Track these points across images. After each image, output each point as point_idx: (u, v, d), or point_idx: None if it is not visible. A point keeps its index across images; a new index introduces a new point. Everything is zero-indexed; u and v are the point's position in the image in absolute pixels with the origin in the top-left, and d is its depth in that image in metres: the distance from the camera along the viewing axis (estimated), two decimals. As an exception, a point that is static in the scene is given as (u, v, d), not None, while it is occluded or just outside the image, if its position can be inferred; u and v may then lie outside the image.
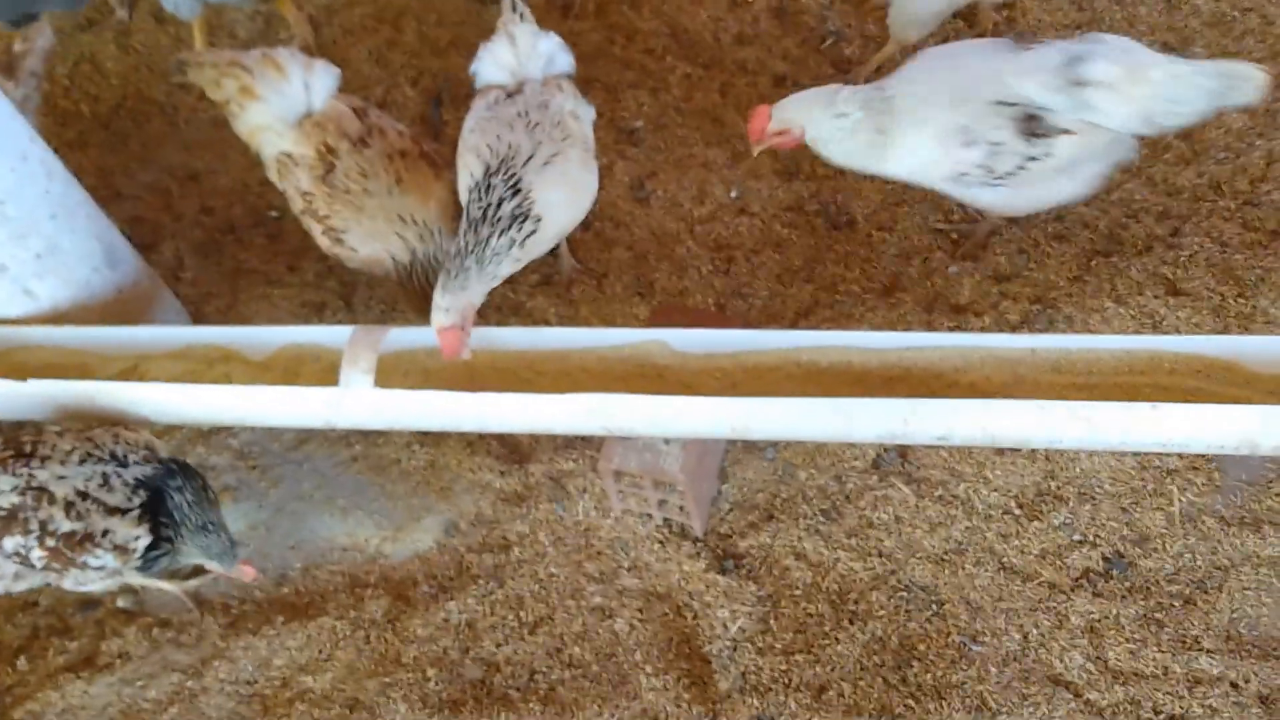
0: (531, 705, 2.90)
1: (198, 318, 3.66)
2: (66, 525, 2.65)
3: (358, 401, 2.84)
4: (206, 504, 2.80)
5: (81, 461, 2.70)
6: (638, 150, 3.80)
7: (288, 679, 3.02)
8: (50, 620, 3.18)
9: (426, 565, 3.17)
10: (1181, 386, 2.71)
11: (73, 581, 2.81)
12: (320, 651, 3.05)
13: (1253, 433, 2.54)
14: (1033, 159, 2.89)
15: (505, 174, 2.83)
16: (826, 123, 2.94)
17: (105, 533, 2.67)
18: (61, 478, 2.66)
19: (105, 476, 2.69)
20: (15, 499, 2.63)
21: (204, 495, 2.80)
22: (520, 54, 3.09)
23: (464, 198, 2.95)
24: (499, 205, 2.79)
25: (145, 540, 2.72)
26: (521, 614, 3.05)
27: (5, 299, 3.14)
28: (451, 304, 2.73)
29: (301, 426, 3.05)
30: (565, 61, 3.19)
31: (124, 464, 2.72)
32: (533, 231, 2.85)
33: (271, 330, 3.09)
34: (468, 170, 2.92)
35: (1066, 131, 2.86)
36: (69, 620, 3.17)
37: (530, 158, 2.87)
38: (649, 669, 2.91)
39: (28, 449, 2.70)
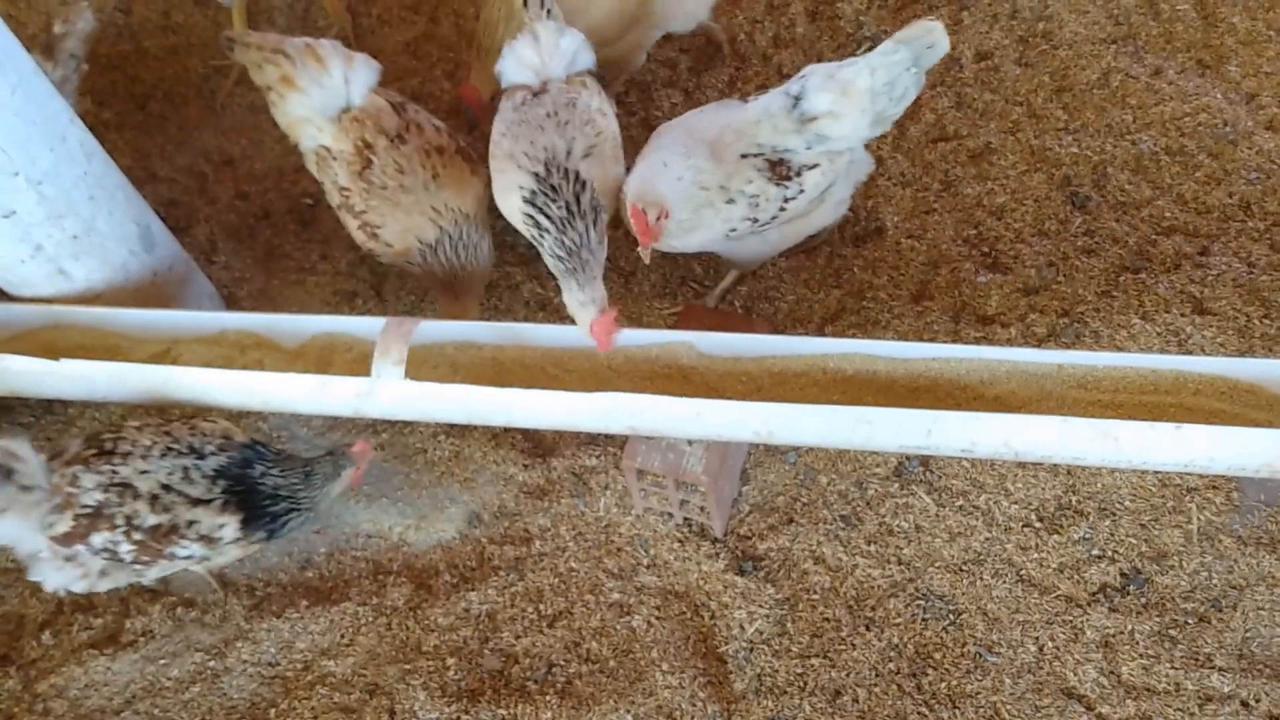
0: (548, 698, 2.93)
1: (230, 302, 3.70)
2: (152, 519, 2.71)
3: (388, 392, 2.87)
4: (287, 460, 2.88)
5: (162, 455, 2.75)
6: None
7: (309, 662, 3.07)
8: (75, 596, 3.22)
9: (449, 555, 3.21)
10: (1205, 408, 2.73)
11: (158, 572, 2.88)
12: (342, 636, 3.09)
13: (1274, 456, 2.56)
14: (789, 199, 2.97)
15: (560, 172, 2.85)
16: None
17: (190, 523, 2.74)
18: (144, 473, 2.72)
19: (185, 470, 2.75)
20: (100, 496, 2.69)
21: (281, 456, 2.88)
22: (544, 52, 3.09)
23: (514, 210, 2.94)
24: (577, 200, 2.82)
25: (232, 528, 2.77)
26: (541, 607, 3.09)
27: (41, 279, 3.19)
28: (589, 296, 2.76)
29: (333, 414, 3.08)
30: (588, 59, 3.19)
31: (201, 455, 2.78)
32: (602, 218, 2.90)
33: (304, 318, 3.12)
34: (516, 183, 2.91)
35: (812, 166, 2.95)
36: (94, 597, 3.21)
37: (569, 151, 2.89)
38: (665, 666, 2.94)
39: (109, 446, 2.75)
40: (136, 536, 2.69)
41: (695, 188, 2.90)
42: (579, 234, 2.80)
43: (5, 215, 2.97)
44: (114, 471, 2.71)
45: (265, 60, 3.12)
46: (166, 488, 2.72)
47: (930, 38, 2.82)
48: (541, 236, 2.84)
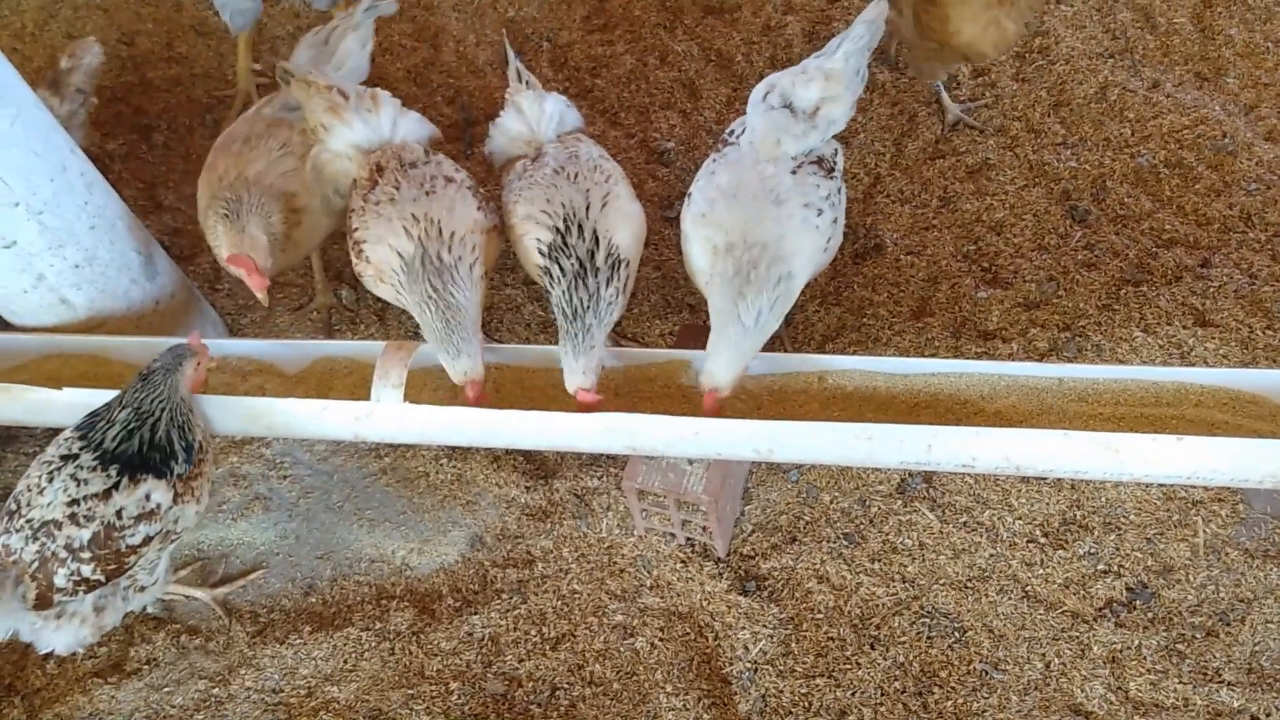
0: (552, 722, 2.93)
1: (234, 329, 3.72)
2: (86, 532, 2.70)
3: (388, 416, 2.88)
4: (121, 398, 2.81)
5: (50, 479, 2.74)
6: (668, 171, 3.84)
7: (313, 688, 3.06)
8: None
9: (452, 578, 3.20)
10: (1208, 419, 2.71)
11: (148, 580, 2.86)
12: (345, 662, 3.08)
13: (1277, 467, 2.54)
14: (840, 189, 3.00)
15: (579, 229, 2.87)
16: None
17: (120, 512, 2.71)
18: (49, 504, 2.72)
19: (74, 477, 2.72)
20: (34, 548, 2.69)
21: (112, 402, 2.81)
22: (530, 120, 3.16)
23: (534, 265, 2.95)
24: (591, 257, 2.83)
25: (160, 493, 2.74)
26: (544, 630, 3.08)
27: (43, 308, 3.21)
28: (587, 365, 2.77)
29: (333, 439, 3.09)
30: (574, 118, 3.26)
31: (74, 456, 2.75)
32: (627, 275, 2.89)
33: (305, 344, 3.14)
34: (535, 239, 2.92)
35: (835, 155, 3.03)
36: (100, 625, 3.22)
37: (588, 206, 2.91)
38: (669, 688, 2.93)
39: (12, 506, 2.76)
40: (85, 555, 2.69)
41: (811, 229, 2.88)
42: (589, 293, 2.80)
43: (7, 245, 3.00)
44: (28, 521, 2.71)
45: (318, 94, 3.17)
46: (74, 501, 2.69)
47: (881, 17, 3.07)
48: (552, 288, 2.86)
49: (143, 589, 2.91)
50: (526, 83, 3.23)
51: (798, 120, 2.95)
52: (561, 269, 2.84)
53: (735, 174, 2.94)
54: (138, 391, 2.79)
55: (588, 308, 2.79)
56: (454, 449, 3.35)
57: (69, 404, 2.96)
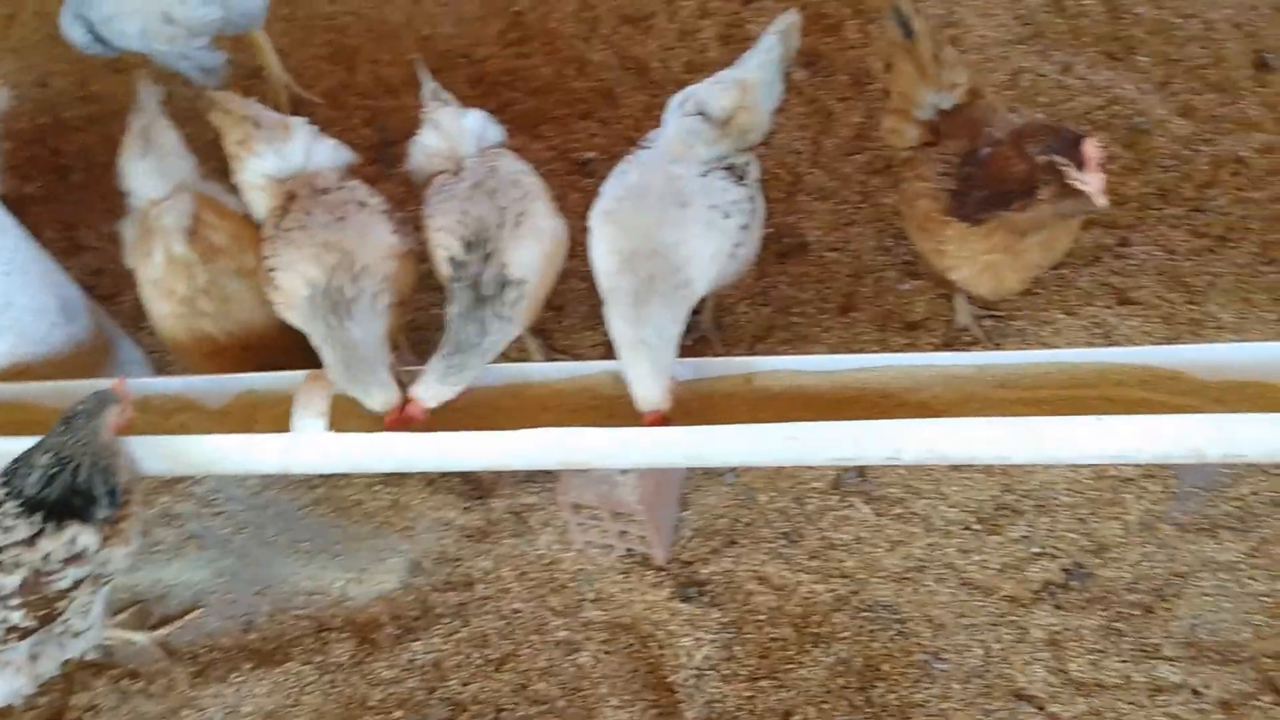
0: (498, 743, 2.90)
1: (161, 367, 3.67)
2: (11, 580, 2.65)
3: (312, 446, 2.85)
4: (41, 444, 2.76)
5: None
6: (591, 181, 3.83)
7: (256, 726, 3.03)
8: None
9: (391, 606, 3.17)
10: (1129, 398, 2.73)
11: (81, 620, 2.80)
12: (287, 697, 3.04)
13: (1199, 441, 2.55)
14: (752, 199, 3.00)
15: (479, 248, 2.85)
16: None
17: (45, 558, 2.66)
18: None
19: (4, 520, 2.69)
20: None
21: (30, 450, 2.76)
22: (450, 136, 3.13)
23: (444, 277, 2.94)
24: (481, 278, 2.82)
25: (86, 536, 2.69)
26: (487, 651, 3.05)
27: (-39, 358, 3.16)
28: (450, 393, 2.78)
29: (261, 472, 3.05)
30: (496, 133, 3.25)
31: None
32: (518, 297, 2.87)
33: (226, 378, 3.10)
34: (445, 252, 2.91)
35: (747, 165, 3.02)
36: (37, 677, 3.17)
37: (501, 224, 2.89)
38: (615, 701, 2.91)
39: None
40: (14, 602, 2.63)
41: (715, 232, 2.89)
42: (478, 321, 2.79)
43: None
44: None
45: (234, 125, 3.16)
46: (6, 547, 2.64)
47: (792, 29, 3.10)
48: (449, 304, 2.85)
49: (78, 634, 2.85)
50: (442, 101, 3.21)
51: (711, 127, 2.96)
52: (460, 288, 2.83)
53: (645, 174, 2.96)
54: (59, 436, 2.75)
55: (474, 343, 2.79)
56: (388, 475, 3.32)
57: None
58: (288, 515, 3.36)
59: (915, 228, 3.04)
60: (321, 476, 3.35)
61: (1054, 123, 2.72)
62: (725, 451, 2.74)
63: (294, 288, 2.89)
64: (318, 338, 2.84)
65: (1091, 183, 2.50)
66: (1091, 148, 2.51)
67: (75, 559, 2.70)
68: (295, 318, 2.94)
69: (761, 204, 3.09)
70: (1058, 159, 2.54)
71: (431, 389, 2.78)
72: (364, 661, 3.07)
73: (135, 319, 3.77)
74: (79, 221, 4.07)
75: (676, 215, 2.84)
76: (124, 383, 2.87)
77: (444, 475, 3.33)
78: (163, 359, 3.69)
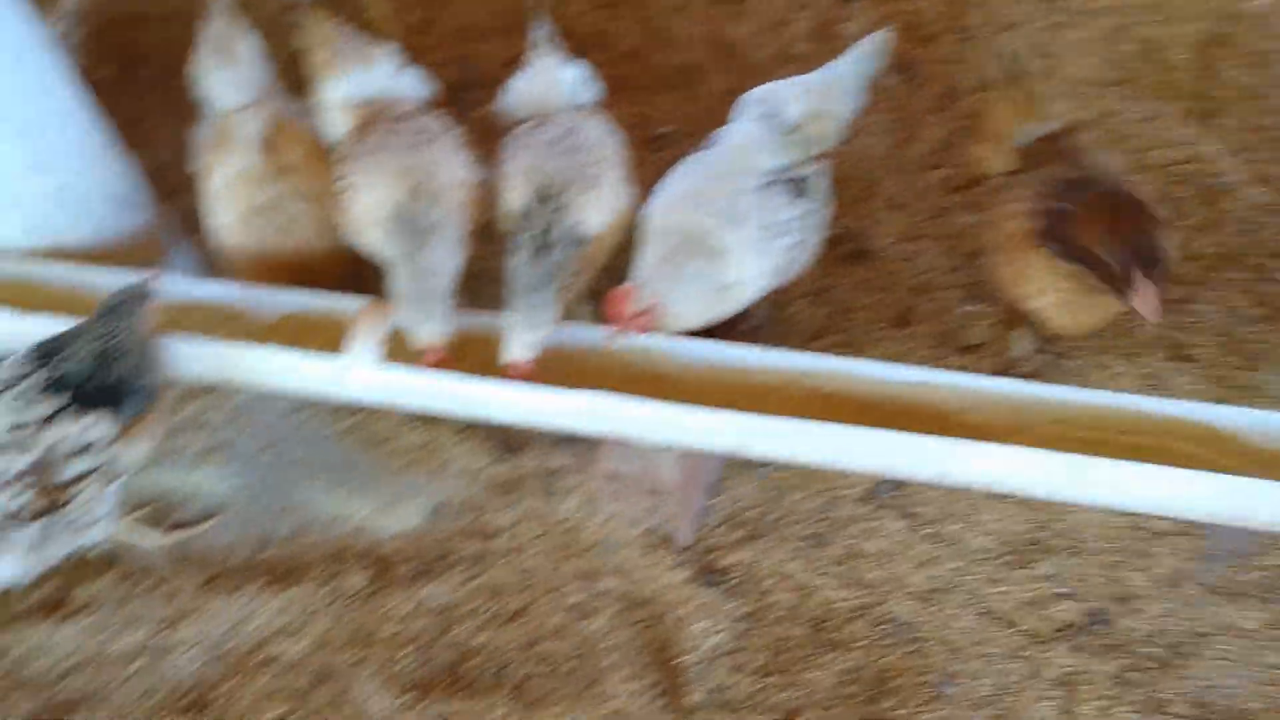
0: (500, 696, 2.88)
1: (213, 273, 3.64)
2: (24, 459, 2.63)
3: (364, 375, 2.83)
4: (76, 331, 2.75)
5: None
6: (663, 155, 3.80)
7: (259, 643, 3.00)
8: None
9: (410, 545, 3.15)
10: (1181, 451, 2.71)
11: (92, 511, 2.76)
12: (295, 619, 3.03)
13: (1244, 505, 2.56)
14: (810, 213, 2.97)
15: (549, 200, 2.82)
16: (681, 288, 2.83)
17: (59, 442, 2.64)
18: None
19: (20, 401, 2.65)
20: None
21: (65, 336, 2.75)
22: (546, 85, 3.12)
23: (507, 226, 2.92)
24: (548, 231, 2.78)
25: (103, 428, 2.67)
26: (499, 603, 3.04)
27: (18, 231, 3.13)
28: (533, 340, 2.72)
29: (303, 393, 3.03)
30: (590, 91, 3.22)
31: (25, 379, 2.68)
32: (580, 256, 2.85)
33: (280, 294, 3.06)
34: (516, 200, 2.88)
35: (809, 175, 2.98)
36: (42, 563, 3.15)
37: (575, 183, 2.86)
38: (622, 673, 2.90)
39: None
40: (26, 480, 2.61)
41: (765, 253, 2.86)
42: (542, 270, 2.75)
43: (-12, 162, 2.92)
44: None
45: (321, 45, 3.14)
46: (16, 426, 2.62)
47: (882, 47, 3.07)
48: (512, 254, 2.81)
49: (89, 525, 2.82)
50: (551, 47, 3.17)
51: (780, 134, 2.92)
52: (524, 238, 2.79)
53: (700, 182, 2.91)
54: (105, 324, 2.73)
55: (544, 284, 2.74)
56: (422, 416, 3.30)
57: (28, 333, 2.89)
58: (317, 440, 3.34)
59: (999, 251, 3.01)
60: (357, 407, 3.32)
61: (1144, 207, 2.69)
62: (771, 444, 2.74)
63: (371, 208, 2.86)
64: (391, 260, 2.81)
65: (1146, 306, 2.57)
66: (1151, 290, 2.56)
67: (86, 449, 2.68)
68: (368, 239, 2.91)
69: (826, 213, 3.05)
70: (1127, 268, 2.58)
71: (519, 339, 2.72)
72: (377, 594, 3.06)
73: (187, 224, 3.75)
74: (144, 117, 4.03)
75: (729, 236, 2.81)
76: (159, 276, 2.84)
77: (477, 426, 3.30)
78: (215, 265, 3.66)
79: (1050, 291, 2.89)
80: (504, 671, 2.93)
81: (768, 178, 2.87)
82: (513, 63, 3.23)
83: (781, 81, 3.01)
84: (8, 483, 2.60)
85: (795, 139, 2.91)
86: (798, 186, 2.92)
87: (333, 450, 3.33)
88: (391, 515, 3.21)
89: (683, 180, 2.92)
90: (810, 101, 2.93)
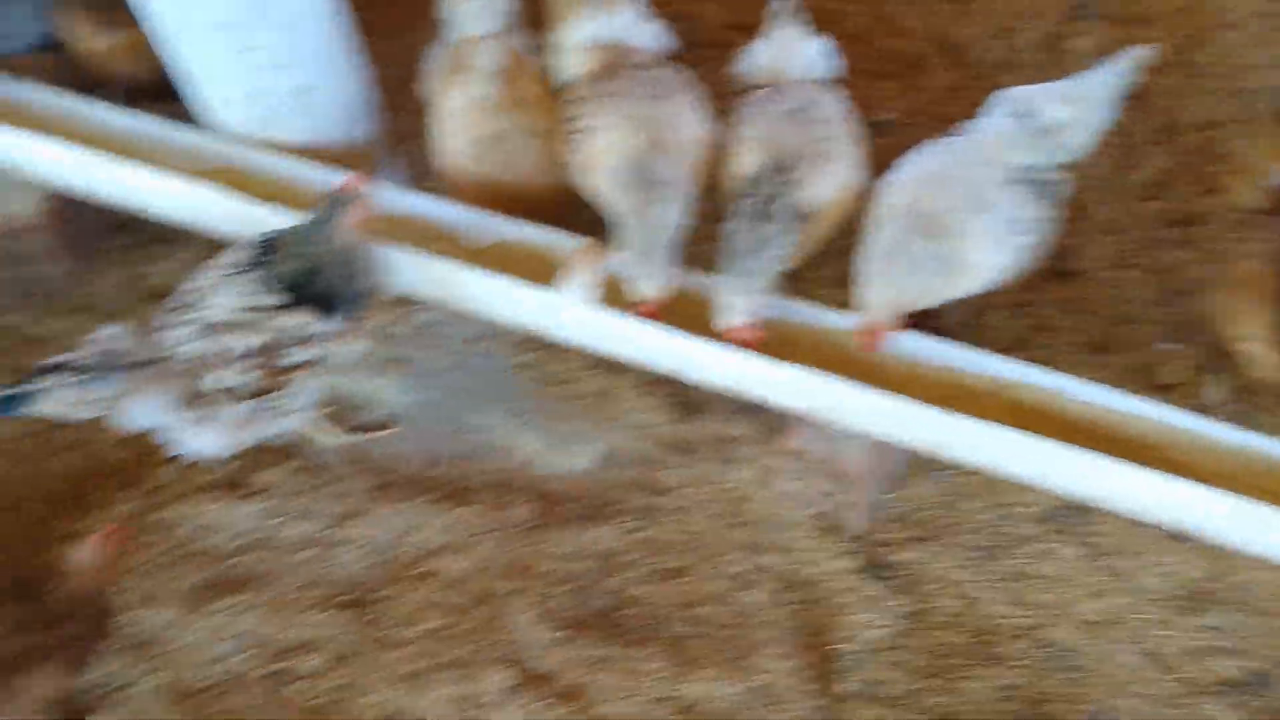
0: (652, 650, 2.91)
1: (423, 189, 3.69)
2: (254, 341, 2.70)
3: (574, 313, 2.86)
4: (283, 234, 2.82)
5: (224, 285, 2.74)
6: (882, 142, 3.74)
7: (422, 555, 3.06)
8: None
9: (577, 487, 3.19)
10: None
11: (293, 401, 2.84)
12: (459, 538, 3.08)
13: None
14: (1047, 220, 2.89)
15: (781, 170, 2.81)
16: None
17: (287, 330, 2.72)
18: (221, 307, 2.71)
19: (250, 287, 2.73)
20: (199, 347, 2.67)
21: (272, 236, 2.83)
22: (785, 54, 3.09)
23: (732, 190, 2.90)
24: (774, 200, 2.77)
25: (327, 322, 2.75)
26: (661, 560, 3.06)
27: (250, 123, 3.21)
28: (745, 305, 2.71)
29: (507, 323, 3.06)
30: (828, 66, 3.17)
31: (253, 268, 2.76)
32: (802, 230, 2.82)
33: (495, 220, 3.09)
34: (746, 167, 2.87)
35: (1058, 176, 2.91)
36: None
37: (807, 156, 2.84)
38: (775, 649, 2.90)
39: (180, 303, 2.76)
40: (246, 363, 2.68)
41: (1002, 248, 2.82)
42: (761, 237, 2.73)
43: (240, 50, 2.99)
44: (197, 319, 2.70)
45: None
46: (247, 309, 2.70)
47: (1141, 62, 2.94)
48: (733, 218, 2.80)
49: (288, 414, 2.89)
50: (794, 15, 3.15)
51: (1034, 134, 2.88)
52: (746, 204, 2.78)
53: (950, 165, 2.87)
54: (316, 224, 2.79)
55: (757, 249, 2.73)
56: (604, 363, 3.32)
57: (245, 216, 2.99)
58: (497, 370, 3.39)
59: (1223, 287, 2.94)
60: (540, 343, 3.35)
61: None
62: (972, 449, 2.71)
63: (605, 152, 2.87)
64: (617, 208, 2.83)
65: None
66: None
67: (309, 340, 2.75)
68: (593, 182, 2.93)
69: (1053, 226, 3.00)
70: None
71: (738, 304, 2.72)
72: (539, 529, 3.10)
73: (402, 140, 3.80)
74: (374, 28, 4.07)
75: (973, 220, 2.77)
76: (361, 180, 2.88)
77: (659, 382, 3.32)
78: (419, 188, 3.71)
79: (1254, 341, 2.83)
80: (659, 626, 2.96)
81: (1016, 174, 2.83)
82: (734, 27, 3.22)
83: (1038, 85, 2.95)
84: (236, 359, 2.67)
85: (1047, 142, 2.86)
86: (1046, 189, 2.87)
87: (510, 382, 3.37)
88: (561, 455, 3.25)
89: (927, 162, 2.89)
90: (1067, 107, 2.87)
